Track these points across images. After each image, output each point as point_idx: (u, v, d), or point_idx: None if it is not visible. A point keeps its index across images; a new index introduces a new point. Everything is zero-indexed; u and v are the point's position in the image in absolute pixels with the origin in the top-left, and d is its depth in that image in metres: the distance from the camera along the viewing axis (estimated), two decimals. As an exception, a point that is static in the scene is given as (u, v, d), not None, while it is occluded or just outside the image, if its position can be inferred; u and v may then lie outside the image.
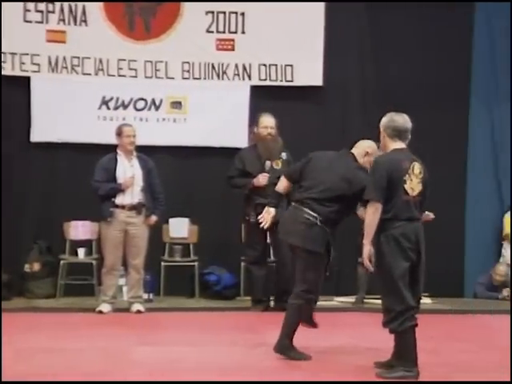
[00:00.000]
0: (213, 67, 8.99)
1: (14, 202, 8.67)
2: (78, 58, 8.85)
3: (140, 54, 8.91)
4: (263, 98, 8.92)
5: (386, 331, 5.17)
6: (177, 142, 8.95)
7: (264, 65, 9.00)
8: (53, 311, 7.82)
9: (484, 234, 9.30)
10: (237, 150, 8.74)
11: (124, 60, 8.90)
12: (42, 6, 8.77)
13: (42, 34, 8.78)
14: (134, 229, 7.70)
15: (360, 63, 9.19)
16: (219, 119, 8.95)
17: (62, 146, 8.86)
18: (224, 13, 8.99)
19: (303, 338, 6.34)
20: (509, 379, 5.08)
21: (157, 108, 8.96)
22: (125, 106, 8.93)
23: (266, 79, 9.02)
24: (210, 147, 8.97)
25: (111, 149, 7.96)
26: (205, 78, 8.98)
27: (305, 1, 8.93)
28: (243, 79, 9.01)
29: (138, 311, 7.71)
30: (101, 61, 8.88)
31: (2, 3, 8.58)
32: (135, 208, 7.70)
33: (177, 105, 8.99)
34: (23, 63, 8.72)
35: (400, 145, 5.25)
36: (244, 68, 9.00)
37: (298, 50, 8.95)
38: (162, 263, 8.64)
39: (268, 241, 8.09)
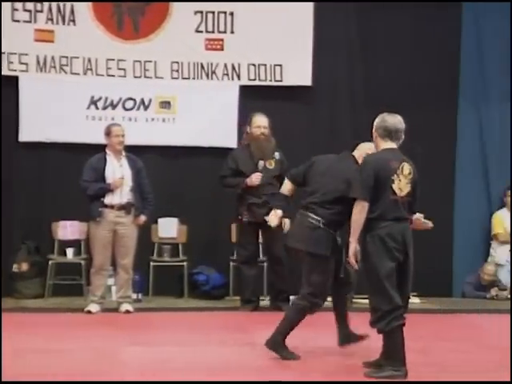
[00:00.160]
0: (202, 67, 8.98)
1: (2, 202, 8.63)
2: (67, 57, 8.82)
3: (129, 54, 8.89)
4: (252, 97, 8.91)
5: (375, 331, 5.18)
6: (166, 142, 8.94)
7: (253, 65, 9.00)
8: (41, 311, 7.80)
9: (472, 233, 9.32)
10: (226, 149, 8.74)
11: (113, 60, 8.88)
12: (30, 5, 8.74)
13: (31, 33, 8.75)
14: (122, 229, 7.69)
15: (349, 63, 9.20)
16: (208, 119, 8.94)
17: (51, 145, 8.83)
18: (213, 12, 8.98)
19: (292, 337, 6.35)
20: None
21: (146, 108, 8.94)
22: (113, 106, 8.91)
23: (255, 79, 9.02)
24: (199, 147, 8.96)
25: (100, 149, 7.94)
26: (194, 78, 8.97)
27: (294, 1, 8.94)
28: (232, 79, 9.01)
29: (127, 311, 7.70)
30: (89, 60, 8.86)
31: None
32: (124, 208, 7.69)
33: (166, 105, 8.98)
34: (11, 62, 8.69)
35: (391, 145, 5.26)
36: (233, 68, 9.00)
37: (287, 50, 8.95)
38: (151, 263, 8.64)
39: (260, 240, 8.10)
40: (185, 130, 8.94)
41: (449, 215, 9.17)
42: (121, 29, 8.93)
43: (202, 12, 8.97)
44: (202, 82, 8.99)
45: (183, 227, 8.88)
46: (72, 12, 8.82)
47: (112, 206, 7.66)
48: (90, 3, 8.83)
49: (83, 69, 8.86)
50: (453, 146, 9.29)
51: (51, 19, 8.80)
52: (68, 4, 8.78)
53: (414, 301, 7.88)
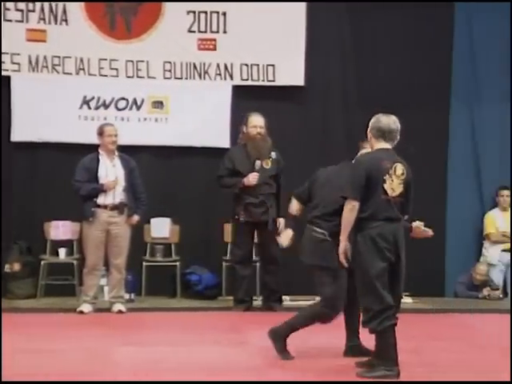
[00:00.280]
0: (194, 67, 8.97)
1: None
2: (59, 57, 8.81)
3: (121, 54, 8.88)
4: (245, 97, 8.91)
5: (367, 331, 5.19)
6: (158, 142, 8.93)
7: (246, 64, 8.99)
8: (33, 312, 7.78)
9: (465, 233, 9.34)
10: (218, 149, 8.76)
11: (105, 59, 8.87)
12: (22, 4, 8.73)
13: (22, 33, 8.73)
14: (116, 228, 7.68)
15: (341, 63, 9.21)
16: (201, 119, 8.93)
17: (43, 145, 8.82)
18: (205, 12, 8.98)
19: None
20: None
21: (138, 108, 8.93)
22: (106, 106, 8.90)
23: (247, 79, 9.02)
24: (192, 147, 8.96)
25: (92, 148, 7.93)
26: (186, 78, 8.97)
27: (286, 1, 8.94)
28: (225, 79, 9.00)
29: (120, 311, 7.69)
30: (82, 60, 8.85)
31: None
32: (117, 208, 7.68)
33: (158, 104, 8.97)
34: (3, 62, 8.67)
35: (384, 145, 5.25)
36: (226, 68, 8.99)
37: (280, 50, 8.96)
38: (144, 263, 8.63)
39: (255, 241, 8.09)
40: (177, 130, 8.93)
41: (441, 215, 9.19)
42: (113, 29, 8.92)
43: (194, 12, 8.96)
44: (194, 81, 8.98)
45: (176, 227, 8.88)
46: (64, 12, 8.81)
47: (105, 206, 7.65)
48: (82, 3, 8.82)
49: (75, 69, 8.84)
50: (445, 146, 9.31)
51: (43, 19, 8.78)
52: (60, 4, 8.77)
53: (407, 301, 7.89)
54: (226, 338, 6.53)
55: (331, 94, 9.21)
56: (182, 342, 6.32)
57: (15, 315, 7.59)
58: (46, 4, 8.76)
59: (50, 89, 8.75)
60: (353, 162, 5.60)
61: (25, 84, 8.73)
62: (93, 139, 7.99)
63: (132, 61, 8.91)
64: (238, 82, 9.01)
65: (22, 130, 8.74)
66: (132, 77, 8.92)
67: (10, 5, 8.68)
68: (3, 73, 8.67)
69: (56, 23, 8.80)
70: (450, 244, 9.25)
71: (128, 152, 8.00)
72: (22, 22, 8.73)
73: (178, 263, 8.72)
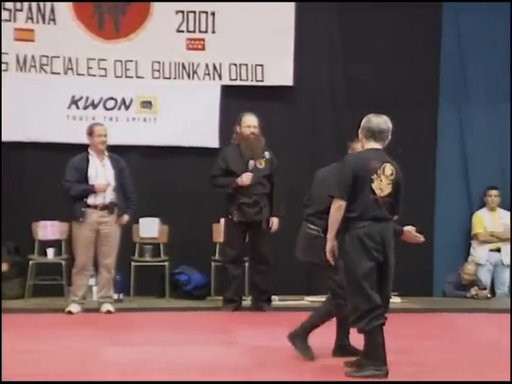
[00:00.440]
0: (183, 67, 8.97)
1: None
2: (47, 56, 8.79)
3: (110, 54, 8.87)
4: (234, 97, 8.92)
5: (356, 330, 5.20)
6: (147, 142, 8.92)
7: (234, 64, 8.99)
8: (21, 312, 7.75)
9: (453, 233, 9.37)
10: (207, 149, 8.77)
11: (93, 59, 8.85)
12: (9, 4, 8.70)
13: (10, 32, 8.70)
14: (106, 228, 7.66)
15: (330, 63, 9.22)
16: (190, 119, 8.93)
17: (31, 145, 8.80)
18: (194, 12, 8.98)
19: (275, 338, 6.36)
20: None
21: (127, 107, 8.92)
22: (94, 106, 8.88)
23: (236, 79, 9.02)
24: (181, 147, 8.95)
25: (81, 148, 7.91)
26: (175, 78, 8.96)
27: (275, 1, 8.94)
28: (214, 79, 9.00)
29: (108, 311, 7.67)
30: (70, 60, 8.83)
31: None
32: (107, 208, 7.66)
33: (147, 104, 8.96)
34: (-10, 62, 8.65)
35: (374, 145, 5.25)
36: (214, 68, 8.99)
37: (269, 50, 8.96)
38: (132, 263, 8.62)
39: (246, 240, 8.09)
40: (166, 130, 8.93)
41: (429, 215, 9.21)
42: (101, 28, 8.90)
43: (183, 12, 8.96)
44: (183, 81, 8.98)
45: (164, 227, 8.87)
46: (52, 11, 8.79)
47: (95, 206, 7.63)
48: (70, 2, 8.79)
49: (64, 68, 8.82)
50: (433, 147, 9.33)
51: (31, 18, 8.76)
52: (48, 3, 8.74)
53: (395, 300, 7.90)
54: (215, 337, 6.53)
55: (320, 94, 9.22)
56: (170, 342, 6.31)
57: (3, 316, 7.54)
58: (34, 3, 8.73)
59: (38, 88, 8.73)
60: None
61: (13, 84, 8.69)
62: (81, 139, 7.97)
63: (120, 60, 8.89)
64: (226, 81, 9.01)
65: (9, 130, 8.69)
66: (120, 77, 8.91)
67: (-3, 4, 8.66)
68: (-10, 72, 8.65)
69: (44, 23, 8.78)
70: (438, 244, 9.27)
71: (116, 152, 7.98)
72: (9, 21, 8.71)
73: (166, 263, 8.71)
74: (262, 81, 9.03)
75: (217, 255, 8.74)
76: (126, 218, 7.81)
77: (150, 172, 8.90)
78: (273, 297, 8.12)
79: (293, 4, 8.99)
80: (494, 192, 9.28)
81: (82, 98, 8.87)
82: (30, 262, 8.49)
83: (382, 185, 5.16)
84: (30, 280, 8.48)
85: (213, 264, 8.68)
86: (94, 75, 8.87)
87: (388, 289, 5.25)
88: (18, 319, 7.36)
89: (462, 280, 9.03)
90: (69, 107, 8.84)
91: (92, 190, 7.61)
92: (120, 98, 8.91)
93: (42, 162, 8.76)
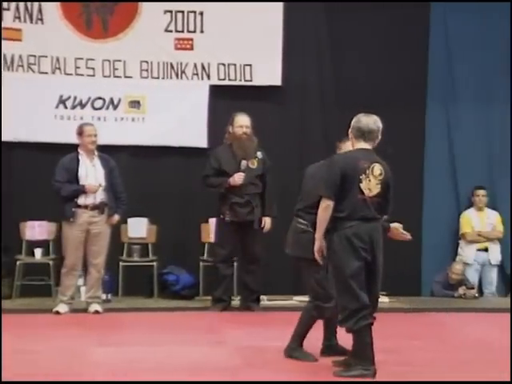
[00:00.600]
0: (171, 66, 8.96)
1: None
2: (35, 56, 8.76)
3: (98, 53, 8.84)
4: (222, 97, 8.92)
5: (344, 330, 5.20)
6: (135, 142, 8.91)
7: (223, 64, 8.99)
8: (9, 312, 7.68)
9: (441, 233, 9.39)
10: (196, 149, 8.77)
11: (81, 59, 8.83)
12: (-4, 3, 8.68)
13: (-3, 31, 8.68)
14: (96, 228, 7.64)
15: (319, 63, 9.23)
16: (178, 119, 8.92)
17: (19, 145, 8.76)
18: (182, 12, 8.97)
19: (262, 337, 6.37)
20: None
21: (115, 107, 8.90)
22: (82, 105, 8.86)
23: (224, 79, 9.02)
24: (169, 147, 8.94)
25: (69, 148, 7.89)
26: (163, 78, 8.95)
27: (263, 1, 8.94)
28: (202, 79, 8.99)
29: (96, 312, 7.65)
30: (58, 59, 8.80)
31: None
32: (98, 208, 7.64)
33: (135, 104, 8.94)
34: (-22, 62, 8.61)
35: (364, 145, 5.26)
36: (203, 67, 8.98)
37: (257, 50, 8.96)
38: (121, 263, 8.60)
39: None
40: (154, 130, 8.91)
41: (418, 215, 9.23)
42: (89, 28, 8.88)
43: (171, 11, 8.95)
44: (171, 81, 8.97)
45: (153, 227, 8.85)
46: (40, 11, 8.76)
47: (86, 206, 7.61)
48: (58, 2, 8.76)
49: (51, 68, 8.80)
50: (421, 147, 9.35)
51: (18, 17, 8.73)
52: (36, 3, 8.71)
53: (383, 300, 7.91)
54: (203, 337, 6.53)
55: (308, 93, 9.23)
56: (159, 342, 6.30)
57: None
58: (22, 3, 8.70)
59: (26, 88, 8.69)
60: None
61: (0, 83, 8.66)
62: (69, 139, 7.95)
63: (109, 60, 8.88)
64: (215, 81, 9.00)
65: (-3, 130, 8.68)
66: (109, 76, 8.89)
67: (-16, 3, 8.62)
68: (-22, 72, 8.61)
69: (32, 22, 8.75)
70: (426, 243, 9.29)
71: (104, 152, 7.95)
72: (-4, 20, 8.68)
73: (155, 263, 8.70)
74: (251, 81, 9.04)
75: (205, 255, 8.74)
76: (116, 217, 7.79)
77: (138, 172, 8.89)
78: (261, 297, 8.12)
79: (281, 4, 9.00)
80: (481, 192, 9.31)
81: (69, 97, 8.84)
82: (18, 263, 8.46)
83: (370, 185, 5.16)
84: (17, 280, 8.45)
85: (201, 264, 8.67)
86: (82, 75, 8.85)
87: (376, 288, 5.26)
88: (6, 319, 7.31)
89: (449, 279, 9.06)
90: (57, 107, 8.82)
91: (83, 191, 7.59)
92: (108, 98, 8.89)
93: (29, 162, 8.73)
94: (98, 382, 5.02)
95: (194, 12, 8.97)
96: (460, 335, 6.96)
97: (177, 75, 8.97)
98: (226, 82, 9.01)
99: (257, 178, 7.91)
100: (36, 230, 8.62)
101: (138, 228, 8.80)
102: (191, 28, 8.98)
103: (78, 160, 7.67)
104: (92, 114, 8.83)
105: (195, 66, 8.97)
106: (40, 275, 8.46)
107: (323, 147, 8.50)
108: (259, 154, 7.98)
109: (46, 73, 8.79)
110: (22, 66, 8.75)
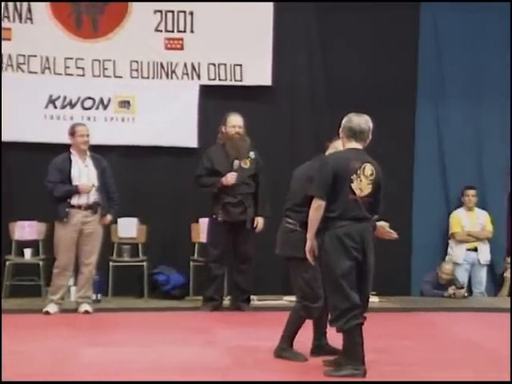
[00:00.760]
0: (161, 66, 8.95)
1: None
2: (24, 55, 8.74)
3: (87, 53, 8.82)
4: (212, 97, 8.91)
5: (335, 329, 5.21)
6: (125, 142, 8.89)
7: (213, 64, 8.98)
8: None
9: (430, 232, 9.41)
10: (186, 149, 8.76)
11: (71, 58, 8.81)
12: (-15, 3, 8.64)
13: (-14, 31, 8.65)
14: (89, 228, 7.62)
15: (309, 63, 9.23)
16: (168, 119, 8.90)
17: (8, 145, 8.71)
18: (172, 12, 8.96)
19: (253, 337, 6.37)
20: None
21: (105, 107, 8.88)
22: (72, 105, 8.83)
23: (215, 79, 9.01)
24: (159, 147, 8.93)
25: (58, 148, 7.87)
26: (153, 78, 8.93)
27: (254, 0, 8.94)
28: (192, 78, 8.98)
29: (86, 312, 7.63)
30: (47, 59, 8.78)
31: None
32: (91, 208, 7.63)
33: (125, 104, 8.93)
34: (-33, 61, 8.58)
35: (355, 145, 5.26)
36: (193, 67, 8.97)
37: (247, 50, 8.96)
38: (111, 263, 8.58)
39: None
40: (144, 130, 8.90)
41: (407, 214, 9.25)
42: (79, 27, 8.86)
43: (161, 11, 8.94)
44: (161, 81, 8.96)
45: (143, 227, 8.84)
46: (29, 10, 8.74)
47: (79, 207, 7.59)
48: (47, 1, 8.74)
49: (41, 67, 8.78)
50: (411, 146, 9.37)
51: (7, 17, 8.70)
52: (25, 2, 8.68)
53: (373, 300, 7.92)
54: (194, 337, 6.52)
55: (299, 93, 9.23)
56: (150, 343, 6.29)
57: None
58: (11, 2, 8.67)
59: (15, 88, 8.66)
60: (323, 156, 5.64)
61: (-11, 83, 8.64)
62: (59, 139, 7.93)
63: (98, 60, 8.86)
64: (205, 81, 9.00)
65: (-14, 130, 8.64)
66: (98, 76, 8.87)
67: (-27, 3, 8.59)
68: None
69: (21, 21, 8.73)
70: (416, 243, 9.31)
71: (94, 152, 7.93)
72: (-15, 20, 8.64)
73: (145, 263, 8.68)
74: (241, 81, 9.03)
75: (196, 255, 8.73)
76: (109, 217, 7.79)
77: (128, 172, 8.86)
78: (252, 297, 8.12)
79: (271, 4, 9.00)
80: (471, 192, 9.34)
81: (59, 97, 8.82)
82: (7, 263, 8.43)
83: (361, 185, 5.17)
84: (6, 280, 8.42)
85: (191, 264, 8.66)
86: (72, 74, 8.82)
87: (367, 288, 5.27)
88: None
89: (439, 279, 9.08)
90: (46, 107, 8.79)
91: (76, 191, 7.57)
92: (98, 98, 8.87)
93: (19, 162, 8.69)
94: (89, 382, 5.01)
95: (184, 12, 8.96)
96: (450, 335, 6.98)
97: (167, 75, 8.96)
98: (217, 82, 9.01)
99: (249, 178, 7.92)
100: (26, 230, 8.60)
101: (128, 228, 8.79)
102: (181, 28, 8.97)
103: (70, 160, 7.65)
104: (82, 114, 8.81)
105: (185, 65, 8.96)
106: (30, 275, 8.43)
107: (314, 147, 8.48)
108: (252, 154, 7.99)
109: (36, 72, 8.77)
110: (12, 65, 8.72)
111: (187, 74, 8.97)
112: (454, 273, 9.12)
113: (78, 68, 8.83)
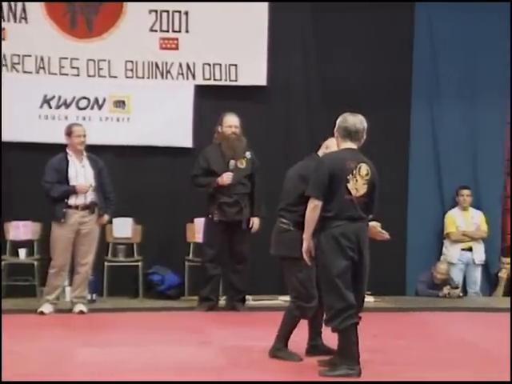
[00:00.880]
0: (156, 66, 8.94)
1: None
2: (19, 55, 8.73)
3: (82, 53, 8.81)
4: (207, 97, 8.91)
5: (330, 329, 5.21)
6: (120, 142, 8.88)
7: (208, 64, 8.98)
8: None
9: (425, 232, 9.41)
10: (181, 149, 8.75)
11: (66, 58, 8.80)
12: (-20, 2, 8.63)
13: (-19, 31, 8.64)
14: (86, 228, 7.61)
15: (304, 63, 9.24)
16: (163, 119, 8.89)
17: (3, 145, 8.70)
18: (167, 12, 8.95)
19: (248, 337, 6.37)
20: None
21: (100, 107, 8.87)
22: (67, 105, 8.82)
23: (210, 78, 9.01)
24: (154, 147, 8.92)
25: (53, 148, 7.86)
26: (148, 77, 8.93)
27: (249, 0, 8.94)
28: (187, 78, 8.98)
29: (81, 312, 7.62)
30: (42, 59, 8.77)
31: None
32: (88, 208, 7.61)
33: (120, 104, 8.92)
34: (-39, 61, 8.56)
35: (350, 145, 5.27)
36: (188, 67, 8.97)
37: (242, 50, 8.96)
38: (106, 263, 8.58)
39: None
40: (139, 130, 8.89)
41: (402, 214, 9.26)
42: (74, 27, 8.85)
43: (156, 11, 8.93)
44: (156, 81, 8.95)
45: (138, 227, 8.84)
46: (24, 10, 8.72)
47: (76, 207, 7.57)
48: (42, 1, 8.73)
49: (36, 67, 8.76)
50: (406, 146, 9.38)
51: (2, 17, 8.67)
52: (19, 2, 8.66)
53: (369, 299, 7.91)
54: (189, 337, 6.52)
55: (294, 93, 9.24)
56: (145, 343, 6.28)
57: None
58: (5, 2, 8.66)
59: (10, 88, 8.65)
60: (315, 155, 5.67)
61: (-17, 83, 8.63)
62: (54, 139, 7.92)
63: (93, 60, 8.85)
64: (200, 81, 8.99)
65: (-19, 130, 8.63)
66: (93, 76, 8.86)
67: (-32, 2, 8.57)
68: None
69: (15, 21, 8.71)
70: (410, 243, 9.32)
71: (89, 151, 7.92)
72: (-20, 19, 8.63)
73: (140, 263, 8.68)
74: (236, 80, 9.03)
75: (191, 255, 8.73)
76: (106, 217, 7.79)
77: (123, 172, 8.85)
78: (247, 297, 8.12)
79: (266, 4, 9.00)
80: (466, 192, 9.35)
81: (54, 97, 8.81)
82: (2, 263, 8.42)
83: (357, 185, 5.17)
84: (1, 281, 8.40)
85: (186, 264, 8.66)
86: (67, 74, 8.81)
87: (363, 288, 5.27)
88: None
89: (434, 279, 9.09)
90: (41, 106, 8.78)
91: (73, 191, 7.56)
92: (93, 98, 8.87)
93: (13, 162, 8.67)
94: (84, 382, 5.00)
95: (179, 12, 8.96)
96: (444, 334, 6.98)
97: (162, 75, 8.95)
98: (212, 82, 9.01)
99: (245, 178, 7.91)
100: (20, 230, 8.59)
101: (123, 228, 8.78)
102: (176, 28, 8.97)
103: (67, 160, 7.64)
104: (77, 114, 8.80)
105: (180, 65, 8.96)
106: (24, 275, 8.42)
107: (309, 147, 8.43)
108: (248, 154, 7.99)
109: (30, 72, 8.76)
110: (6, 65, 8.71)
111: (182, 73, 8.97)
112: (448, 273, 9.13)
113: (73, 68, 8.82)
